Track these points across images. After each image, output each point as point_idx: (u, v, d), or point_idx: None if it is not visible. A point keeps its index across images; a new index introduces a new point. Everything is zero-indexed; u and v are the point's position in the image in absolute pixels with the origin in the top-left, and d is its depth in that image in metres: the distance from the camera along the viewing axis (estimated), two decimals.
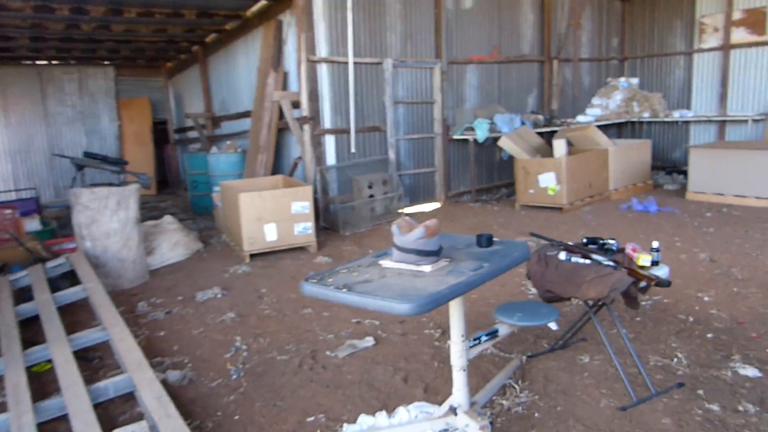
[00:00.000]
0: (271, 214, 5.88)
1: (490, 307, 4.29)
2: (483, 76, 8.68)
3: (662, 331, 3.76)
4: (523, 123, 8.35)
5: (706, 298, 4.24)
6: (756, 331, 3.66)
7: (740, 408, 2.85)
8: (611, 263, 3.04)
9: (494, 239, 2.65)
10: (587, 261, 3.11)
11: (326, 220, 7.22)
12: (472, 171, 8.31)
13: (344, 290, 2.12)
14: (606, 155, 7.95)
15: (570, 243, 3.41)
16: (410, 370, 3.44)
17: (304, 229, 6.10)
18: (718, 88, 8.97)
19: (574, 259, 3.17)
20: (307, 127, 7.09)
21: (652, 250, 3.10)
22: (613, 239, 3.28)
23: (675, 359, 3.38)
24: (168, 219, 6.67)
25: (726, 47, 8.80)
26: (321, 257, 5.89)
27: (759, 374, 3.15)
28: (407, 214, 7.45)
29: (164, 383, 3.38)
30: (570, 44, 9.38)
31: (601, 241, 3.32)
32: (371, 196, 7.27)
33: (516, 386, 3.17)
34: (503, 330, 2.82)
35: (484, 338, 2.69)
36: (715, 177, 7.35)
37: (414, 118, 8.04)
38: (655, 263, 3.08)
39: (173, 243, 6.25)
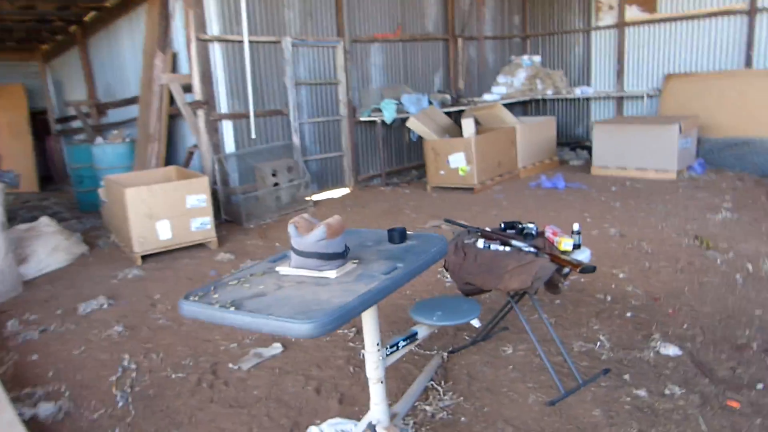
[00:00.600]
0: (164, 210, 5.30)
1: (407, 299, 4.02)
2: (388, 55, 8.39)
3: (582, 313, 3.65)
4: (430, 103, 8.16)
5: (621, 275, 4.19)
6: (671, 307, 3.62)
7: (667, 391, 2.75)
8: (532, 249, 2.84)
9: (408, 233, 2.35)
10: (507, 248, 2.89)
11: (228, 213, 6.69)
12: (381, 154, 8.03)
13: (232, 309, 1.73)
14: (513, 133, 7.92)
15: (487, 229, 3.19)
16: (323, 379, 3.11)
17: (202, 225, 5.58)
18: (615, 65, 9.19)
19: (493, 246, 2.95)
20: (201, 113, 6.51)
21: (573, 233, 2.93)
22: (531, 223, 3.09)
23: (598, 343, 3.26)
24: (44, 221, 5.90)
25: (621, 25, 9.01)
26: (223, 254, 5.40)
27: (679, 352, 3.08)
28: (314, 203, 7.08)
29: (33, 421, 2.86)
30: (474, 22, 9.27)
31: (519, 226, 3.12)
32: (276, 184, 6.81)
33: (439, 388, 2.91)
34: (422, 331, 2.55)
35: (402, 344, 2.40)
36: (617, 152, 7.50)
37: (318, 100, 7.62)
38: (576, 246, 2.92)
39: (51, 248, 5.52)
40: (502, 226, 3.19)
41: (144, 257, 5.32)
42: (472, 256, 2.91)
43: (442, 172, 7.46)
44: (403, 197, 7.38)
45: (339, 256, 1.96)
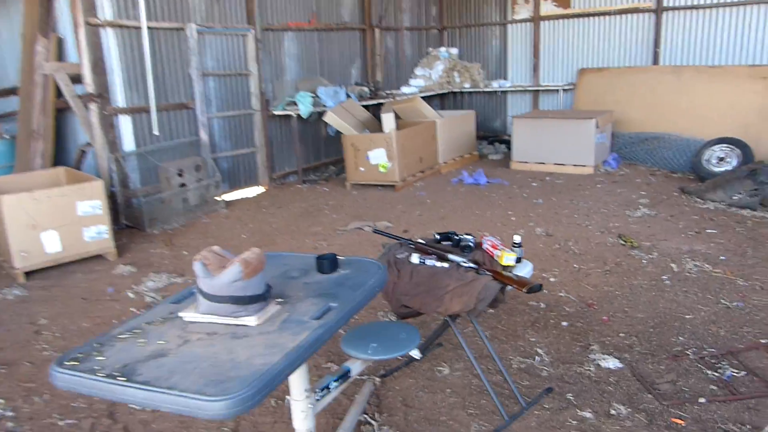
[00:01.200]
0: (51, 219, 4.66)
1: None
2: (303, 45, 7.95)
3: (517, 323, 3.48)
4: (348, 96, 7.82)
5: (552, 279, 4.08)
6: (605, 313, 3.53)
7: (612, 411, 2.61)
8: (472, 265, 2.60)
9: (339, 258, 2.03)
10: (444, 264, 2.63)
11: (129, 218, 6.06)
12: (297, 149, 7.61)
13: (121, 379, 1.34)
14: (434, 127, 7.74)
15: (421, 241, 2.92)
16: (240, 417, 2.73)
17: (98, 234, 4.97)
18: (531, 59, 9.24)
19: (429, 262, 2.68)
20: (93, 107, 5.82)
21: (514, 245, 2.72)
22: (469, 234, 2.85)
23: (537, 357, 3.09)
24: None
25: (536, 19, 9.05)
26: (122, 266, 4.82)
27: (619, 365, 2.96)
28: (225, 203, 6.56)
29: None
30: (391, 12, 8.99)
31: (456, 237, 2.87)
32: (182, 185, 6.25)
33: (373, 422, 2.62)
34: (356, 367, 2.24)
35: (333, 384, 2.08)
36: (536, 147, 7.51)
37: (228, 92, 7.08)
38: (518, 260, 2.71)
39: None
40: (437, 237, 2.94)
41: (28, 273, 4.66)
42: (406, 274, 2.63)
43: (362, 169, 7.16)
44: (321, 196, 7.01)
45: (259, 299, 1.60)
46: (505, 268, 2.62)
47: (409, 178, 7.21)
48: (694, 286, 3.81)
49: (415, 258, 2.71)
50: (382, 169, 7.02)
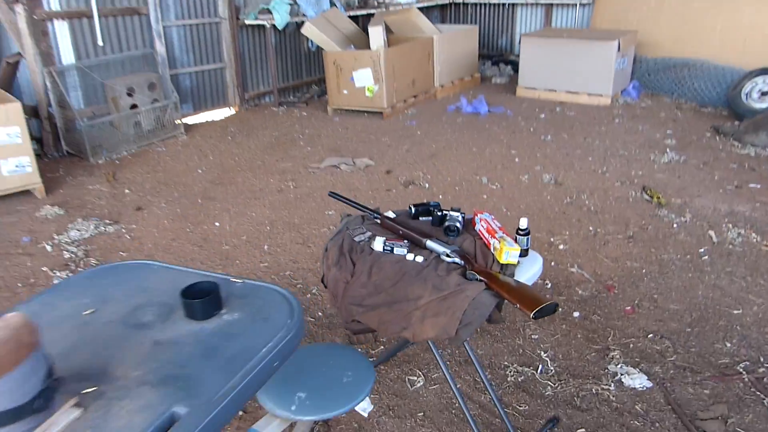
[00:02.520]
0: None
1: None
2: None
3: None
4: (332, 4, 6.72)
5: (561, 246, 3.30)
6: (628, 301, 2.78)
7: None
8: (458, 260, 1.81)
9: (236, 281, 1.23)
10: (418, 257, 1.84)
11: (71, 144, 5.20)
12: (272, 66, 6.60)
13: None
14: (430, 44, 6.70)
15: (390, 215, 2.12)
16: None
17: (20, 167, 4.14)
18: None
19: (397, 250, 1.89)
20: (20, 10, 4.81)
21: (519, 232, 1.91)
22: (456, 210, 2.04)
23: (540, 365, 2.37)
24: None
25: None
26: (49, 208, 4.03)
27: (648, 383, 2.24)
28: (185, 128, 5.65)
29: None
30: None
31: (438, 212, 2.07)
32: (134, 106, 5.34)
33: None
34: (273, 429, 1.49)
35: None
36: (546, 71, 6.51)
37: None
38: (524, 253, 1.91)
39: None
40: (412, 210, 2.13)
41: None
42: (364, 270, 1.84)
43: (345, 92, 6.21)
44: (298, 122, 6.11)
45: (23, 412, 0.82)
46: (504, 267, 1.82)
47: (399, 105, 6.28)
48: (741, 266, 3.04)
49: (378, 243, 1.92)
50: (368, 93, 6.07)
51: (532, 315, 1.56)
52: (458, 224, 1.99)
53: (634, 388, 2.22)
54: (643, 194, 3.93)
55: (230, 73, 6.49)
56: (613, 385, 2.24)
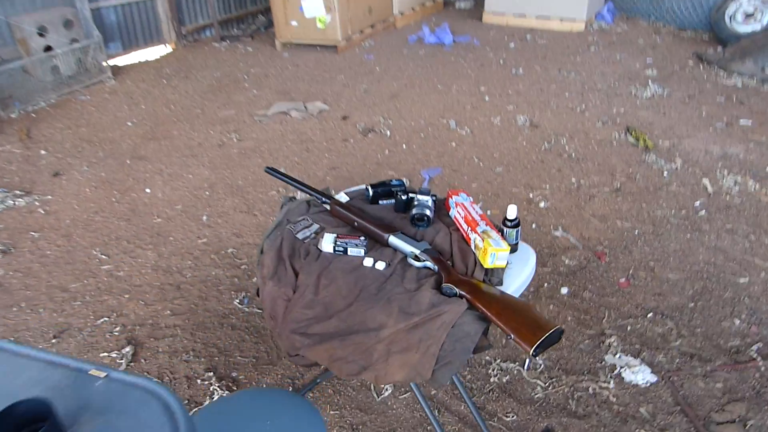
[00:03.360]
0: None
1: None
2: None
3: None
4: None
5: (542, 203, 2.93)
6: (622, 271, 2.45)
7: None
8: (430, 264, 1.41)
9: (97, 372, 0.79)
10: (379, 263, 1.43)
11: None
12: None
13: None
14: None
15: (344, 198, 1.69)
16: None
17: None
18: None
19: (352, 251, 1.47)
20: None
21: (505, 223, 1.50)
22: (425, 194, 1.61)
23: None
24: None
25: None
26: None
27: (652, 378, 1.93)
28: (113, 72, 4.95)
29: None
30: None
31: (402, 195, 1.64)
32: (48, 48, 4.63)
33: None
34: None
35: None
36: None
37: None
38: (513, 248, 1.51)
39: None
40: (369, 192, 1.69)
41: None
42: (310, 283, 1.42)
43: (294, 23, 5.55)
44: (243, 59, 5.47)
45: None
46: (490, 273, 1.42)
47: (355, 36, 5.67)
48: (742, 221, 2.72)
49: (327, 242, 1.49)
50: (319, 25, 5.44)
51: (531, 352, 1.18)
52: (428, 212, 1.57)
53: (637, 385, 1.91)
54: (627, 136, 3.55)
55: (162, 4, 5.72)
56: (612, 381, 1.92)
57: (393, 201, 1.68)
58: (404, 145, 3.58)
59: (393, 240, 1.50)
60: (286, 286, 1.44)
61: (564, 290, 2.34)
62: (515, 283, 1.44)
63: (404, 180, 1.66)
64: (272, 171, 1.79)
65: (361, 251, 1.48)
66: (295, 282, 1.45)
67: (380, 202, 1.70)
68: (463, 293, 1.32)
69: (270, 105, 4.30)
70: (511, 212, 1.49)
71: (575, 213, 2.83)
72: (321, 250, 1.49)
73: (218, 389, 1.92)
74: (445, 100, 4.26)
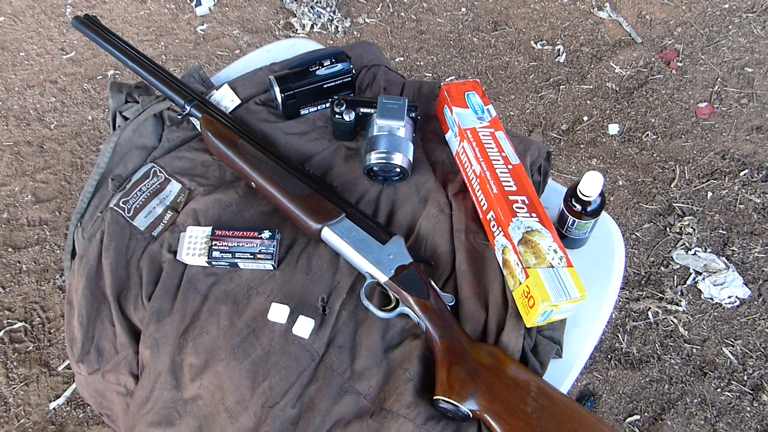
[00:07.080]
0: None
1: None
2: None
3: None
4: None
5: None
6: (700, 84, 1.61)
7: None
8: (405, 308, 0.66)
9: None
10: (302, 328, 0.67)
11: None
12: None
13: None
14: None
15: (231, 100, 0.82)
16: None
17: None
18: None
19: (248, 264, 0.70)
20: None
21: (576, 203, 0.67)
22: (400, 100, 0.74)
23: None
24: None
25: None
26: None
27: (743, 290, 1.31)
28: None
29: None
30: None
31: (348, 97, 0.77)
32: None
33: None
34: None
35: None
36: None
37: None
38: (581, 242, 0.72)
39: None
40: (276, 89, 0.81)
41: None
42: (166, 356, 0.68)
43: None
44: None
45: None
46: (531, 331, 0.67)
47: None
48: None
49: (193, 245, 0.70)
50: None
51: None
52: (401, 157, 0.73)
53: (721, 305, 1.30)
54: None
55: None
56: (683, 300, 1.31)
57: (326, 106, 0.81)
58: None
59: (331, 237, 0.70)
60: (118, 369, 0.70)
61: (613, 129, 1.54)
62: (586, 334, 0.70)
63: (344, 50, 0.77)
64: (86, 24, 0.86)
65: (266, 265, 0.71)
66: (135, 354, 0.70)
67: (303, 111, 0.83)
68: (478, 411, 0.60)
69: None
70: (590, 183, 0.66)
71: None
72: (185, 264, 0.72)
73: None
74: None
